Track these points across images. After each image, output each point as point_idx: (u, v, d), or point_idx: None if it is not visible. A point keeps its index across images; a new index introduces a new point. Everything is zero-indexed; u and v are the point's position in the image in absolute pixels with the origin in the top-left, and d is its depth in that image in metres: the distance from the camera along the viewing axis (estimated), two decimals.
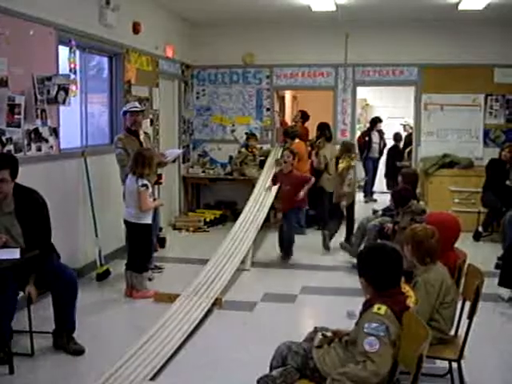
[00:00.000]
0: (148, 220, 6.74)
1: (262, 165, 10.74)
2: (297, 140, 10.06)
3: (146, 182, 6.57)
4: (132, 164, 6.67)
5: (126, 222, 6.81)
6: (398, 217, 7.29)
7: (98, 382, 4.48)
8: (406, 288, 3.67)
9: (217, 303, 6.39)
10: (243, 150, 11.19)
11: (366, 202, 13.83)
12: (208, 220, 10.69)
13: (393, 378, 3.30)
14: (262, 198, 9.42)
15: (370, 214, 8.90)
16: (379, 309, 3.31)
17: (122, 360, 4.90)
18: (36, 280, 5.17)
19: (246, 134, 11.42)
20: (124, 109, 7.56)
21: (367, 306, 3.43)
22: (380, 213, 8.17)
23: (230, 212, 11.22)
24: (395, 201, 7.26)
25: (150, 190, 6.70)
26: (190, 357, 5.22)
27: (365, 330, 3.31)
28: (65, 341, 5.31)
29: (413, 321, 3.32)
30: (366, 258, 3.61)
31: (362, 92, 12.83)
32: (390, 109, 15.57)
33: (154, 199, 7.00)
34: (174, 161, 8.52)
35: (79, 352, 5.25)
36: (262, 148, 11.31)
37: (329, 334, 3.79)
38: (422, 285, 4.20)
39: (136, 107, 7.51)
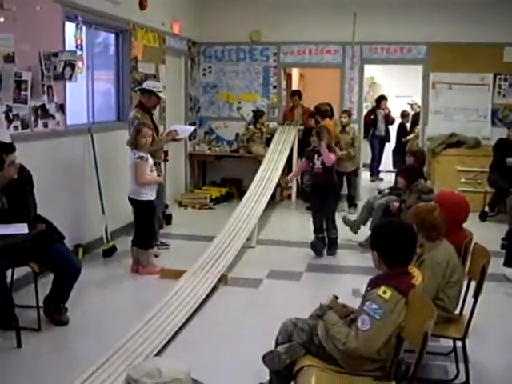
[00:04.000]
0: (149, 197, 6.73)
1: (268, 142, 10.72)
2: (327, 119, 9.98)
3: (142, 154, 6.55)
4: (129, 138, 6.76)
5: (129, 198, 6.82)
6: (404, 195, 7.30)
7: (104, 356, 4.51)
8: (412, 268, 3.66)
9: (223, 280, 6.43)
10: (251, 127, 11.18)
11: (372, 180, 13.82)
12: (214, 197, 10.71)
13: (397, 355, 3.31)
14: (268, 176, 9.42)
15: (377, 193, 8.88)
16: (385, 292, 3.30)
17: (128, 335, 4.93)
18: (39, 257, 5.23)
19: (255, 111, 11.38)
20: (146, 87, 7.39)
21: (375, 284, 3.43)
22: (386, 191, 8.16)
23: (235, 189, 11.24)
24: (405, 178, 7.23)
25: (150, 163, 6.66)
26: (195, 333, 5.26)
27: (364, 307, 3.35)
28: (52, 309, 5.40)
29: (418, 299, 3.32)
30: (383, 232, 3.61)
31: (370, 70, 12.76)
32: (398, 87, 15.49)
33: (158, 175, 6.97)
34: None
35: (62, 323, 5.35)
36: (268, 126, 11.28)
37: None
38: (428, 263, 4.20)
39: (161, 90, 7.44)
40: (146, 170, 6.60)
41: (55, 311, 5.42)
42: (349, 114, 10.46)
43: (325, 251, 7.67)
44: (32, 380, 4.44)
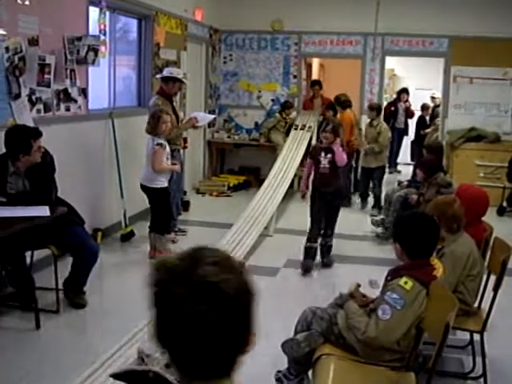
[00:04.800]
0: (162, 184, 6.69)
1: (288, 133, 10.71)
2: (348, 110, 9.93)
3: (161, 141, 6.53)
4: (147, 124, 6.71)
5: (141, 185, 6.79)
6: (423, 188, 7.27)
7: (124, 339, 4.55)
8: (434, 260, 3.67)
9: None
10: (277, 115, 11.17)
11: (390, 172, 13.76)
12: (231, 185, 10.75)
13: (417, 346, 3.33)
14: (286, 165, 9.43)
15: (396, 185, 8.85)
16: (406, 283, 3.32)
17: (146, 319, 4.97)
18: (59, 240, 5.28)
19: (285, 101, 11.32)
20: (167, 74, 7.39)
21: (396, 275, 3.44)
22: (405, 184, 8.14)
23: (253, 178, 11.25)
24: (424, 172, 7.19)
25: (168, 151, 6.65)
26: None
27: (385, 297, 3.37)
28: (71, 292, 5.47)
29: (440, 290, 3.33)
30: (406, 224, 3.63)
31: (390, 62, 12.70)
32: (418, 80, 15.41)
33: (174, 164, 6.90)
34: None
35: (80, 305, 5.41)
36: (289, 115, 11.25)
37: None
38: (448, 256, 4.20)
39: (183, 77, 7.47)
40: (164, 157, 6.59)
41: (74, 294, 5.48)
42: (376, 108, 9.79)
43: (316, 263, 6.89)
44: (50, 361, 4.49)
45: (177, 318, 1.43)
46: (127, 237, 7.43)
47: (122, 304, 5.54)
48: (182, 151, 7.83)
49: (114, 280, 6.11)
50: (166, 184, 6.74)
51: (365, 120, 10.39)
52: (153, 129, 6.56)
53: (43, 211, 4.91)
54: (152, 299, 1.49)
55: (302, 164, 9.70)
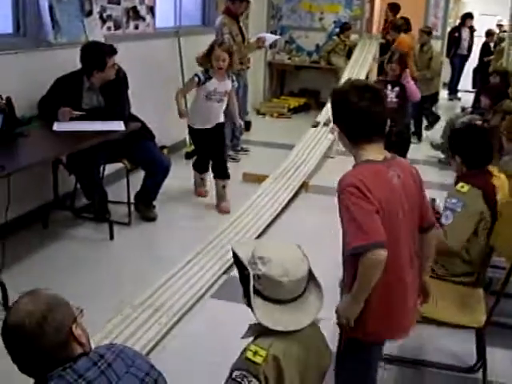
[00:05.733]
0: (193, 124, 6.10)
1: (349, 55, 10.61)
2: (402, 34, 9.72)
3: (200, 74, 5.84)
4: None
5: None
6: (487, 115, 7.22)
7: (194, 251, 4.77)
8: (494, 171, 3.78)
9: (304, 187, 6.58)
10: (335, 38, 11.04)
11: (450, 99, 13.61)
12: (292, 107, 10.76)
13: (487, 262, 3.44)
14: None
15: (459, 111, 8.78)
16: (462, 187, 3.44)
17: (216, 232, 5.20)
18: (131, 155, 5.46)
19: (343, 23, 11.13)
20: None
21: (455, 183, 3.61)
22: (469, 110, 8.08)
23: (313, 101, 11.23)
24: (490, 98, 7.13)
25: (209, 89, 5.85)
26: (277, 236, 5.42)
27: (446, 204, 3.49)
28: (142, 206, 5.68)
29: None
30: (462, 135, 3.80)
31: None
32: (483, 5, 14.99)
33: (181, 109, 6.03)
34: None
35: (151, 219, 5.63)
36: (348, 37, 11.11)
37: None
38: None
39: None
40: (191, 89, 6.04)
41: (145, 207, 5.68)
42: (427, 31, 9.61)
43: None
44: (126, 269, 4.75)
45: None
46: (191, 154, 7.57)
47: (189, 219, 5.74)
48: (247, 71, 7.86)
49: (181, 195, 6.27)
50: (196, 126, 6.09)
51: None
52: (202, 60, 5.95)
53: (118, 126, 5.07)
54: None
55: None
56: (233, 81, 6.02)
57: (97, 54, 5.12)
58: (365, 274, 2.30)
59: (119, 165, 5.64)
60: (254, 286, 2.15)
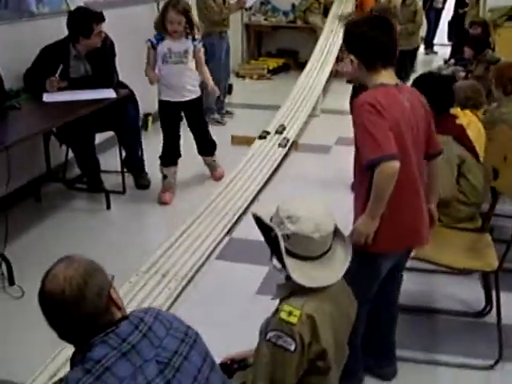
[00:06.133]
0: (161, 95, 5.36)
1: (326, 13, 10.53)
2: None
3: (153, 39, 5.17)
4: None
5: None
6: (471, 66, 7.24)
7: (192, 216, 4.77)
8: (459, 111, 3.90)
9: (293, 146, 6.59)
10: None
11: (426, 53, 13.56)
12: (271, 68, 10.68)
13: (492, 208, 3.51)
14: (327, 48, 9.34)
15: (442, 64, 8.78)
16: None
17: (211, 196, 5.19)
18: (121, 122, 5.43)
19: None
20: None
21: None
22: (452, 62, 8.09)
23: (292, 61, 11.16)
24: (473, 48, 7.14)
25: (163, 51, 5.14)
26: (273, 194, 5.48)
27: None
28: (134, 173, 5.71)
29: None
30: (427, 83, 3.75)
31: None
32: None
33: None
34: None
35: (144, 186, 5.63)
36: None
37: None
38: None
39: None
40: (153, 59, 5.21)
41: (136, 175, 5.66)
42: None
43: None
44: (123, 237, 4.75)
45: None
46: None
47: (183, 184, 5.70)
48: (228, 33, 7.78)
49: None
50: (160, 96, 5.37)
51: None
52: (156, 24, 5.21)
53: (109, 93, 5.03)
54: None
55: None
56: (194, 39, 5.22)
57: (84, 20, 5.01)
58: (380, 185, 2.50)
59: (109, 133, 5.60)
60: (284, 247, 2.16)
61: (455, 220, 3.61)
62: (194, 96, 5.33)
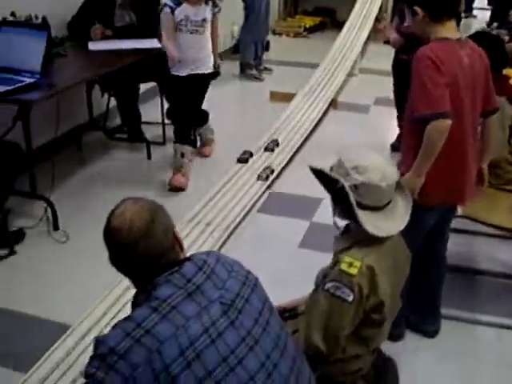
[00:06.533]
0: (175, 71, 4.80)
1: None
2: None
3: (169, 1, 4.60)
4: None
5: None
6: None
7: (227, 176, 4.79)
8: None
9: (332, 104, 6.55)
10: None
11: (465, 17, 13.27)
12: (308, 26, 10.57)
13: None
14: (366, 7, 9.20)
15: (485, 26, 8.64)
16: None
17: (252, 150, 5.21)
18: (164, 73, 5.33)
19: None
20: None
21: None
22: (495, 25, 7.95)
23: (329, 20, 11.03)
24: None
25: (181, 16, 4.60)
26: (309, 152, 5.48)
27: None
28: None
29: None
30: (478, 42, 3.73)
31: None
32: None
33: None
34: None
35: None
36: None
37: None
38: None
39: None
40: (171, 25, 4.65)
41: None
42: None
43: None
44: (165, 186, 4.77)
45: None
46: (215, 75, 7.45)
47: (226, 137, 5.65)
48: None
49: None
50: (175, 71, 4.78)
51: None
52: None
53: (153, 43, 4.99)
54: None
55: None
56: (215, 6, 4.76)
57: None
58: (430, 142, 2.54)
59: (151, 84, 5.60)
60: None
61: (504, 181, 3.59)
62: (208, 71, 4.91)
